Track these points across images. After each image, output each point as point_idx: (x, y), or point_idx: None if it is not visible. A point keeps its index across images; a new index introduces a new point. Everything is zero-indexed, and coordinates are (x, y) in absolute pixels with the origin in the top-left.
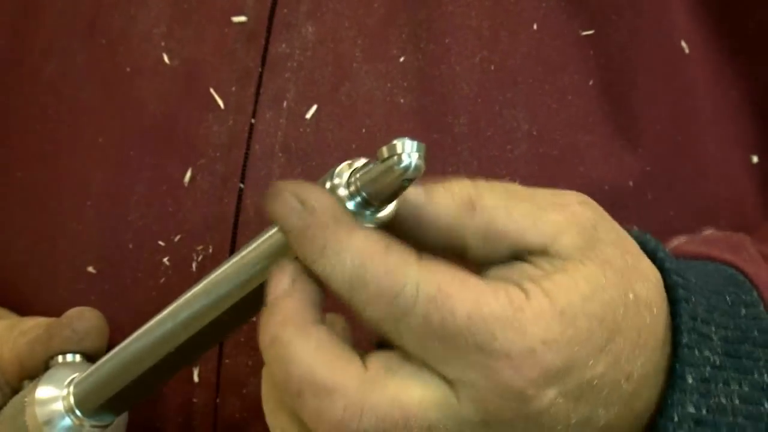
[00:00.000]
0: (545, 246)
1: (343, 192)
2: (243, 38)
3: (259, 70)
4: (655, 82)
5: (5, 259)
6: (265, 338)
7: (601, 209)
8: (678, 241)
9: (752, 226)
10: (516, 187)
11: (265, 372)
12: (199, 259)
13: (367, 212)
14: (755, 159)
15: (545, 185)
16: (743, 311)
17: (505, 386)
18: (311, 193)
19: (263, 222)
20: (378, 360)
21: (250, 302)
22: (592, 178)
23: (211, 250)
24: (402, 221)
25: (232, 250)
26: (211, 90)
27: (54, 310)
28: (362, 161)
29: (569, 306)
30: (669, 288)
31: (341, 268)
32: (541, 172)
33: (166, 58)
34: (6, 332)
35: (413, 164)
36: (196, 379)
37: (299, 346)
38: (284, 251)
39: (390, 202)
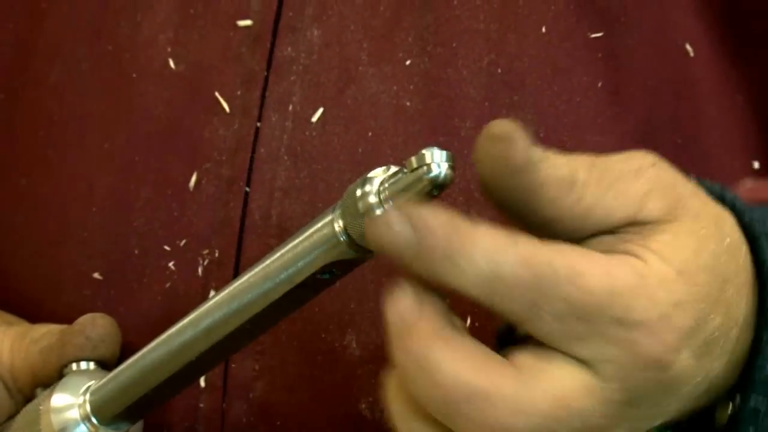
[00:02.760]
0: (631, 217)
1: (373, 200)
2: (248, 42)
3: (265, 73)
4: (662, 84)
5: (11, 266)
6: (408, 360)
7: (667, 163)
8: None
9: None
10: (591, 159)
11: (395, 396)
12: (205, 263)
13: None
14: (756, 165)
15: None
16: None
17: (646, 356)
18: (418, 211)
19: (269, 225)
20: (523, 356)
21: (273, 311)
22: None
23: (216, 255)
24: (505, 185)
25: (238, 254)
26: (217, 94)
27: (61, 316)
28: (393, 169)
29: (684, 264)
30: (744, 228)
31: (476, 271)
32: None
33: (171, 63)
34: (18, 340)
35: (443, 174)
36: (202, 383)
37: (449, 359)
38: (305, 259)
39: None
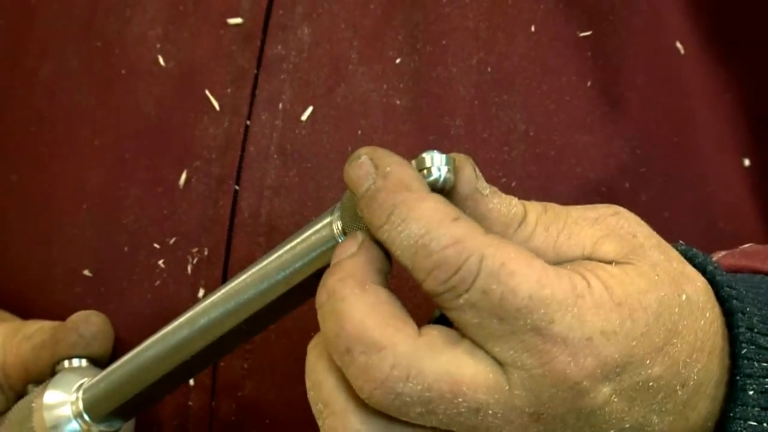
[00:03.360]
0: (586, 257)
1: None
2: (239, 40)
3: (255, 71)
4: (652, 83)
5: (1, 262)
6: (322, 295)
7: (637, 218)
8: (717, 256)
9: (751, 231)
10: (544, 204)
11: (315, 339)
12: (194, 261)
13: None
14: (747, 162)
15: (542, 186)
16: None
17: (560, 375)
18: (387, 159)
19: (258, 224)
20: (434, 330)
21: (270, 312)
22: (589, 178)
23: (206, 253)
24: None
25: (228, 253)
26: (207, 92)
27: (51, 313)
28: None
29: (625, 297)
30: (722, 300)
31: (406, 234)
32: (538, 173)
33: (161, 60)
34: (9, 337)
35: (443, 177)
36: (191, 382)
37: (355, 302)
38: (303, 260)
39: None
